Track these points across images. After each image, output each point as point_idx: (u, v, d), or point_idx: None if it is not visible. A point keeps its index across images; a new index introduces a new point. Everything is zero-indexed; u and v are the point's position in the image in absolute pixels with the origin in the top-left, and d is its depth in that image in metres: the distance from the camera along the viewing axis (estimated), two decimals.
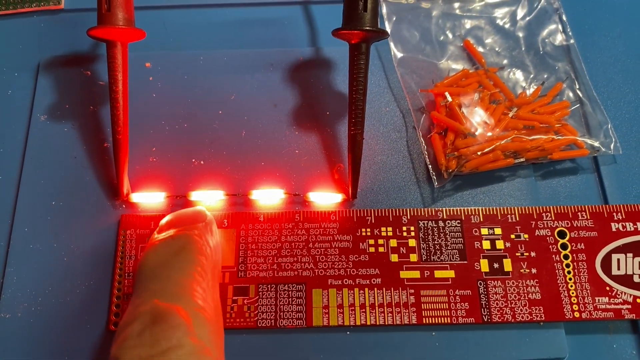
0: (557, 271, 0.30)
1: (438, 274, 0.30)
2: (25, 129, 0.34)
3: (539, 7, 0.37)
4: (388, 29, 0.36)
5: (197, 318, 0.23)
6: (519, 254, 0.31)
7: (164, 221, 0.29)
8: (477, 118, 0.33)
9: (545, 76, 0.36)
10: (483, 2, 0.38)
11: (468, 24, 0.37)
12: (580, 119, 0.35)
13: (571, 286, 0.30)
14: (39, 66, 0.36)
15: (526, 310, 0.29)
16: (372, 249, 0.31)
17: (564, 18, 0.37)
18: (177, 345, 0.22)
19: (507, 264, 0.30)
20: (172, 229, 0.27)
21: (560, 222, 0.31)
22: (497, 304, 0.30)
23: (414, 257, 0.31)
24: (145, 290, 0.24)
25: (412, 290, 0.30)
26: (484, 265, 0.30)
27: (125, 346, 0.22)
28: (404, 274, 0.30)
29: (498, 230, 0.31)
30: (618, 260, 0.31)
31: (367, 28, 0.30)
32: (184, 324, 0.23)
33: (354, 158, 0.31)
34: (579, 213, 0.32)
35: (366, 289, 0.30)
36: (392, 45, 0.36)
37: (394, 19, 0.37)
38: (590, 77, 0.36)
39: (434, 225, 0.31)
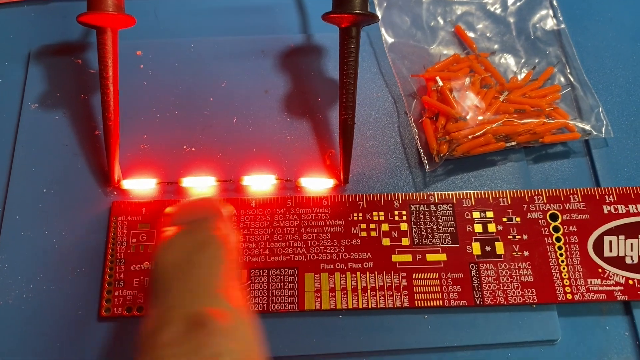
0: (549, 254, 0.30)
1: (430, 257, 0.30)
2: (16, 117, 0.34)
3: None
4: (379, 14, 0.36)
5: (236, 319, 0.21)
6: (511, 237, 0.31)
7: (172, 210, 0.26)
8: (468, 102, 0.33)
9: (537, 61, 0.36)
10: None
11: (459, 9, 0.37)
12: (572, 103, 0.35)
13: (563, 268, 0.30)
14: (29, 55, 0.36)
15: (518, 292, 0.29)
16: (364, 233, 0.31)
17: (555, 3, 0.37)
18: (220, 352, 0.20)
19: (499, 247, 0.30)
20: (186, 220, 0.25)
21: (552, 205, 0.31)
22: (489, 286, 0.30)
23: (405, 241, 0.31)
24: (171, 291, 0.22)
25: (404, 274, 0.30)
26: (475, 248, 0.30)
27: (161, 356, 0.20)
28: (395, 258, 0.30)
29: (490, 214, 0.31)
30: (610, 242, 0.31)
31: (357, 11, 0.30)
32: (224, 328, 0.20)
33: (345, 143, 0.31)
34: (571, 196, 0.32)
35: (358, 273, 0.30)
36: (383, 31, 0.36)
37: (385, 4, 0.37)
38: (581, 61, 0.36)
39: (426, 209, 0.31)
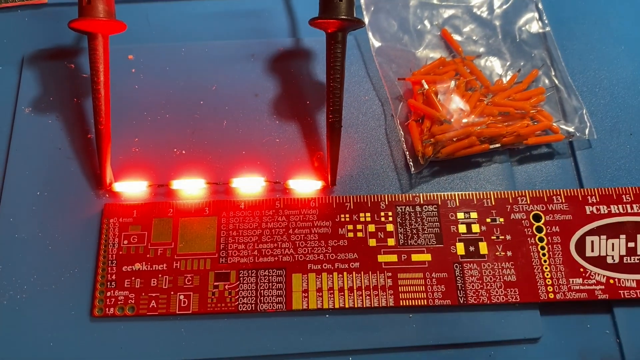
0: (532, 254, 0.31)
1: (415, 257, 0.31)
2: (10, 121, 0.34)
3: None
4: (366, 19, 0.37)
5: None
6: (495, 237, 0.31)
7: None
8: (453, 105, 0.33)
9: (522, 63, 0.36)
10: None
11: (445, 13, 0.37)
12: (556, 105, 0.35)
13: (546, 268, 0.31)
14: (23, 60, 0.36)
15: (502, 292, 0.30)
16: (350, 234, 0.31)
17: (540, 6, 0.38)
18: None
19: (483, 247, 0.31)
20: None
21: (535, 205, 0.32)
22: (472, 286, 0.30)
23: (391, 242, 0.31)
24: None
25: (390, 274, 0.30)
26: (460, 248, 0.31)
27: None
28: (381, 258, 0.31)
29: (474, 215, 0.32)
30: (592, 242, 0.31)
31: (343, 17, 0.30)
32: None
33: (332, 145, 0.32)
34: (554, 197, 0.32)
35: (345, 273, 0.30)
36: (370, 34, 0.36)
37: (372, 8, 0.37)
38: (566, 63, 0.36)
39: (412, 210, 0.32)
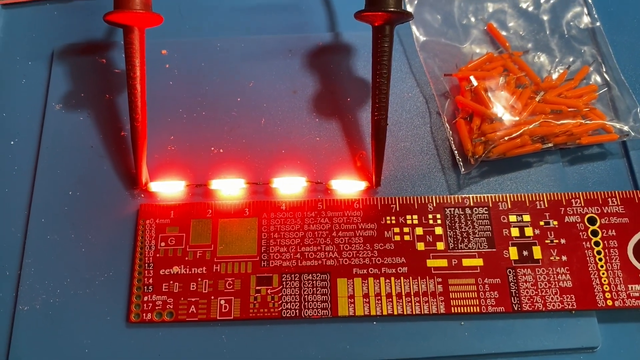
0: (588, 258, 0.30)
1: (466, 262, 0.29)
2: (40, 118, 0.33)
3: None
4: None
5: None
6: (549, 241, 0.30)
7: None
8: (503, 102, 0.32)
9: (571, 60, 0.35)
10: None
11: (491, 7, 0.36)
12: (608, 103, 0.34)
13: (603, 273, 0.29)
14: (53, 54, 0.35)
15: (557, 298, 0.29)
16: (397, 237, 0.30)
17: (589, 0, 0.36)
18: None
19: (537, 252, 0.30)
20: None
21: (590, 208, 0.31)
22: (527, 292, 0.29)
23: (440, 246, 0.30)
24: None
25: (440, 279, 0.29)
26: (513, 253, 0.30)
27: None
28: (430, 263, 0.29)
29: (527, 217, 0.30)
30: None
31: (391, 9, 0.29)
32: None
33: (377, 144, 0.30)
34: (609, 199, 0.31)
35: (392, 278, 0.29)
36: (414, 28, 0.35)
37: (416, 2, 0.36)
38: (618, 60, 0.35)
39: (461, 212, 0.31)
